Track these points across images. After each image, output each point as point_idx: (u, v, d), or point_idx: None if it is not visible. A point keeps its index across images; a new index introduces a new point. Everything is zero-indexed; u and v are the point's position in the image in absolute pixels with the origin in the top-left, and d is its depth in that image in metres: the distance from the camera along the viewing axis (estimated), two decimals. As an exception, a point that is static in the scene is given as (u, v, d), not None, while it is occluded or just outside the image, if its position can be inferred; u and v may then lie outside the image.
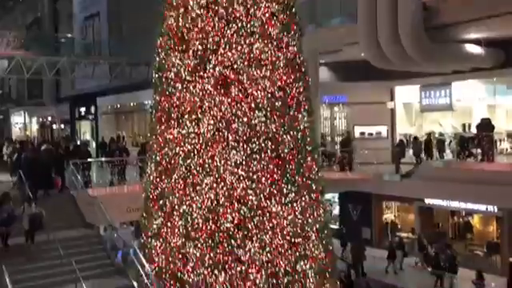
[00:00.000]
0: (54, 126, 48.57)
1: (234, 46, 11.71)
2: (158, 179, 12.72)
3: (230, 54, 11.74)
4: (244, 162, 11.66)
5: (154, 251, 12.61)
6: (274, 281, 11.45)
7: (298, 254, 11.75)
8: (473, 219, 22.74)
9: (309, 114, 12.51)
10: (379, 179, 21.71)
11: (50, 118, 49.49)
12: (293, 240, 11.76)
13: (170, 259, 12.27)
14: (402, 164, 21.36)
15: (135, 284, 12.46)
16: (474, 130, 20.21)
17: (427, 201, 22.55)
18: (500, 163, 18.50)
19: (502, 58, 21.76)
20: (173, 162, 12.33)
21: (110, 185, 18.34)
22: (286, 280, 11.49)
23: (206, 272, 11.58)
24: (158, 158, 12.59)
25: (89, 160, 18.88)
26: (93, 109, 38.06)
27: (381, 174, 21.72)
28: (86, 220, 14.91)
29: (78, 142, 30.39)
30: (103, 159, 20.44)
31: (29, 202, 13.16)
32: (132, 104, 33.39)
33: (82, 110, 40.41)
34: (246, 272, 11.52)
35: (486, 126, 18.94)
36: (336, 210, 27.93)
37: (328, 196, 24.31)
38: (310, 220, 12.20)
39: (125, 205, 16.78)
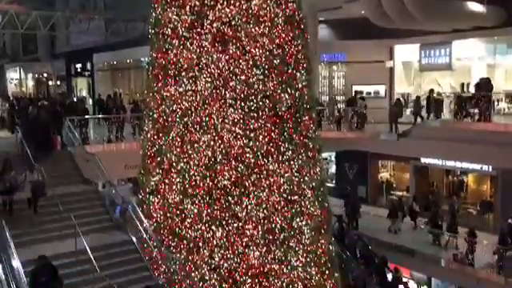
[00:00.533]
0: (50, 83, 48.19)
1: (232, 1, 11.49)
2: (155, 137, 12.76)
3: (227, 10, 11.54)
4: (241, 120, 11.68)
5: (152, 207, 12.80)
6: (271, 237, 11.71)
7: (294, 210, 11.97)
8: (467, 178, 22.99)
9: (307, 73, 12.45)
10: (376, 138, 21.78)
11: (45, 75, 49.06)
12: (289, 197, 11.94)
13: (168, 215, 12.48)
14: (399, 124, 21.38)
15: (134, 239, 12.68)
16: (472, 90, 20.12)
17: (423, 160, 22.72)
18: (497, 123, 18.52)
19: (503, 16, 21.43)
20: (170, 119, 12.34)
21: (107, 142, 18.37)
22: (282, 236, 11.74)
23: (203, 228, 11.80)
24: (155, 115, 12.59)
25: (86, 117, 18.83)
26: (89, 65, 37.67)
27: (378, 134, 21.77)
28: (84, 176, 15.00)
29: (75, 99, 30.21)
30: (100, 116, 20.35)
31: (30, 168, 13.00)
32: (128, 61, 33.00)
33: (78, 66, 39.99)
34: (243, 228, 11.75)
35: (484, 85, 18.83)
36: (332, 169, 28.15)
37: (325, 155, 24.50)
38: (306, 178, 12.36)
39: (122, 162, 16.86)
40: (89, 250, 11.17)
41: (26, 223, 12.34)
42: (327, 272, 12.12)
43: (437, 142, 19.68)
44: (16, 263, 10.31)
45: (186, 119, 11.88)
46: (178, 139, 12.01)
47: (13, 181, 12.35)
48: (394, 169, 26.21)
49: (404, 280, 18.20)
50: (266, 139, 11.57)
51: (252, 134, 11.51)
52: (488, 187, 21.96)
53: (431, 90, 20.87)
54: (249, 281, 11.24)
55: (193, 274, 11.42)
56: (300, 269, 11.67)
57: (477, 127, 18.42)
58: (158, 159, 12.39)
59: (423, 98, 21.65)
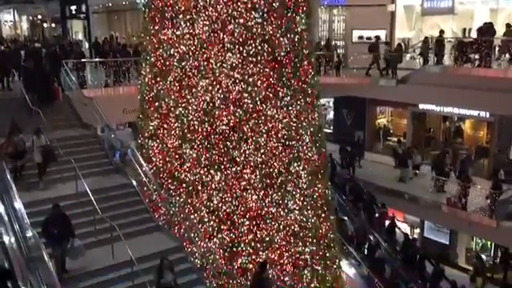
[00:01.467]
0: (45, 25, 47.15)
1: None
2: (153, 81, 12.67)
3: (225, -51, 11.14)
4: (240, 65, 11.56)
5: (151, 151, 12.92)
6: (268, 181, 11.90)
7: (291, 155, 12.10)
8: (464, 124, 23.07)
9: (307, 16, 12.18)
10: (375, 84, 21.64)
11: (40, 17, 47.92)
12: (287, 142, 12.03)
13: (167, 159, 12.61)
14: (399, 69, 21.16)
15: (134, 182, 12.86)
16: (474, 35, 19.76)
17: (421, 106, 22.68)
18: (497, 69, 18.35)
19: (509, -42, 20.75)
20: (167, 63, 12.20)
21: (104, 86, 18.22)
22: (279, 180, 11.93)
23: (202, 172, 11.96)
24: (152, 59, 12.44)
25: (83, 60, 18.56)
26: (84, 7, 36.71)
27: (377, 79, 21.61)
28: (83, 120, 14.99)
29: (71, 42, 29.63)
30: (97, 60, 20.08)
31: (37, 132, 12.03)
32: (124, 2, 32.15)
33: (73, 8, 38.98)
34: (241, 172, 11.91)
35: (486, 30, 18.46)
36: (330, 115, 28.15)
37: (323, 101, 24.42)
38: (304, 123, 12.39)
39: (121, 106, 16.80)
40: (89, 192, 11.33)
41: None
42: (323, 215, 12.41)
43: (436, 87, 19.55)
44: (18, 205, 10.49)
45: (183, 63, 11.75)
46: (176, 84, 11.93)
47: (21, 144, 11.83)
48: (391, 115, 26.21)
49: (390, 215, 18.77)
50: (265, 84, 11.50)
51: (250, 79, 11.43)
52: (484, 133, 22.07)
53: (441, 31, 20.28)
54: (247, 223, 11.52)
55: (192, 217, 11.69)
56: (297, 212, 11.93)
57: (477, 73, 18.25)
58: (156, 104, 12.36)
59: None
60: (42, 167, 12.10)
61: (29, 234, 10.03)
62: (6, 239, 9.93)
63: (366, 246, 17.17)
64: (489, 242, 20.04)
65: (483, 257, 19.70)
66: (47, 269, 9.16)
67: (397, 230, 18.52)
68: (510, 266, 18.67)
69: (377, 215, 18.44)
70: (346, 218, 18.12)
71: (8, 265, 9.33)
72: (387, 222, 18.30)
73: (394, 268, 16.14)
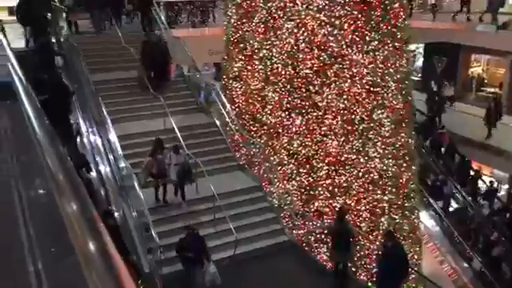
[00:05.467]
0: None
1: None
2: (238, 22, 12.71)
3: None
4: (326, 7, 11.25)
5: (234, 93, 13.17)
6: (350, 127, 11.76)
7: (375, 102, 11.81)
8: None
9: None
10: (472, 30, 20.17)
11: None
12: (371, 89, 11.73)
13: (250, 101, 12.82)
14: (500, 14, 19.50)
15: (217, 121, 13.25)
16: None
17: (522, 54, 20.95)
18: None
19: None
20: (253, 4, 12.14)
21: (192, 27, 18.51)
22: (361, 127, 11.76)
23: (283, 115, 12.06)
24: (238, 0, 12.43)
25: None
26: None
27: (474, 25, 20.12)
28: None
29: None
30: None
31: (176, 149, 10.87)
32: None
33: None
34: (323, 117, 11.85)
35: None
36: (419, 62, 26.80)
37: (412, 46, 23.23)
38: (391, 70, 11.95)
39: (207, 47, 17.07)
40: (176, 129, 11.81)
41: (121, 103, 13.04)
42: (404, 165, 12.15)
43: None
44: (113, 137, 11.25)
45: (269, 4, 11.63)
46: (261, 25, 11.89)
47: (164, 162, 10.67)
48: (487, 64, 24.49)
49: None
50: (352, 27, 11.14)
51: (337, 22, 11.11)
52: None
53: None
54: (325, 168, 11.57)
55: (272, 158, 11.93)
56: (377, 160, 11.78)
57: None
58: (241, 45, 12.44)
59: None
60: (177, 188, 10.99)
61: (122, 164, 10.80)
62: (101, 168, 10.78)
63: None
64: None
65: None
66: (137, 197, 9.89)
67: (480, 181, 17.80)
68: None
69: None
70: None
71: (104, 192, 10.19)
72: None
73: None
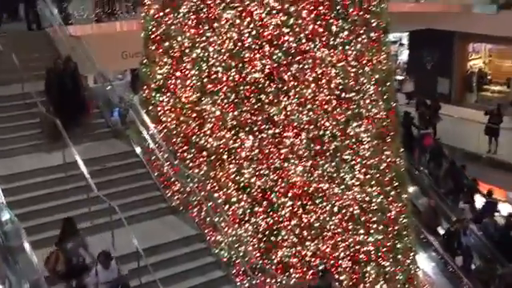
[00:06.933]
0: None
1: None
2: (161, 13, 12.71)
3: None
4: (278, -11, 11.49)
5: (160, 109, 13.08)
6: (318, 147, 11.91)
7: (349, 112, 12.04)
8: None
9: None
10: (468, 11, 21.11)
11: None
12: (343, 94, 11.97)
13: (182, 119, 12.75)
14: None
15: (138, 149, 13.10)
16: None
17: (532, 42, 22.10)
18: None
19: None
20: (180, -12, 12.22)
21: (96, 21, 18.35)
22: (332, 146, 11.93)
23: (228, 135, 12.07)
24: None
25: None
26: None
27: (470, 5, 21.08)
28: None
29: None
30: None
31: (105, 262, 9.88)
32: None
33: None
34: (281, 136, 11.95)
35: None
36: (404, 56, 27.72)
37: (393, 37, 24.01)
38: (367, 68, 12.25)
39: (119, 48, 16.94)
40: (81, 163, 11.57)
41: None
42: (393, 193, 12.39)
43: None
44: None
45: (201, -12, 11.75)
46: (192, 16, 11.95)
47: (78, 253, 10.08)
48: (489, 55, 25.63)
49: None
50: (312, 15, 11.39)
51: (292, 8, 11.34)
52: None
53: None
54: (289, 204, 11.63)
55: (216, 195, 11.88)
56: (356, 189, 11.95)
57: None
58: (166, 44, 12.44)
59: None
60: None
61: (4, 216, 10.47)
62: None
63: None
64: None
65: None
66: (29, 262, 9.58)
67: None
68: None
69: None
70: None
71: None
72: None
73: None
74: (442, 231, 17.21)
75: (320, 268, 11.28)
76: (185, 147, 12.41)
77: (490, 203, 18.57)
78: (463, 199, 18.85)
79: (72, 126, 12.83)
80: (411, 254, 12.94)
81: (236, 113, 11.71)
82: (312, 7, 11.36)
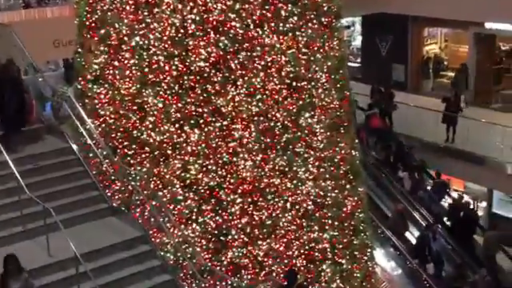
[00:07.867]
0: None
1: None
2: (96, -2, 12.53)
3: None
4: (222, -29, 11.46)
5: (97, 101, 12.90)
6: (269, 139, 11.95)
7: (301, 102, 12.12)
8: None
9: None
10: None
11: None
12: (294, 83, 12.03)
13: (122, 112, 12.61)
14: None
15: (74, 146, 12.92)
16: None
17: (488, 25, 22.58)
18: None
19: None
20: (116, -30, 12.06)
21: (24, 7, 18.03)
22: (284, 138, 11.99)
23: (172, 129, 11.99)
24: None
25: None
26: None
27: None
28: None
29: None
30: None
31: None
32: None
33: None
34: (229, 128, 11.95)
35: None
36: (357, 42, 28.03)
37: (346, 21, 24.25)
38: (318, 55, 12.34)
39: (50, 36, 16.67)
40: (10, 162, 11.38)
41: None
42: (348, 186, 12.54)
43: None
44: None
45: (139, -30, 11.62)
46: (130, 1, 11.82)
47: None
48: (445, 39, 26.15)
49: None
50: (260, -1, 11.41)
51: (238, -8, 11.33)
52: None
53: None
54: (238, 200, 11.65)
55: (160, 194, 11.81)
56: (310, 183, 12.05)
57: None
58: (102, 32, 12.28)
59: None
60: None
61: None
62: None
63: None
64: None
65: None
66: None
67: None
68: None
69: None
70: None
71: None
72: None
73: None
74: (410, 236, 17.86)
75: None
76: (125, 143, 12.28)
77: (440, 184, 19.61)
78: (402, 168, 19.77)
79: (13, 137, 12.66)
80: (368, 251, 13.13)
81: (180, 105, 11.65)
82: (259, -10, 11.37)
